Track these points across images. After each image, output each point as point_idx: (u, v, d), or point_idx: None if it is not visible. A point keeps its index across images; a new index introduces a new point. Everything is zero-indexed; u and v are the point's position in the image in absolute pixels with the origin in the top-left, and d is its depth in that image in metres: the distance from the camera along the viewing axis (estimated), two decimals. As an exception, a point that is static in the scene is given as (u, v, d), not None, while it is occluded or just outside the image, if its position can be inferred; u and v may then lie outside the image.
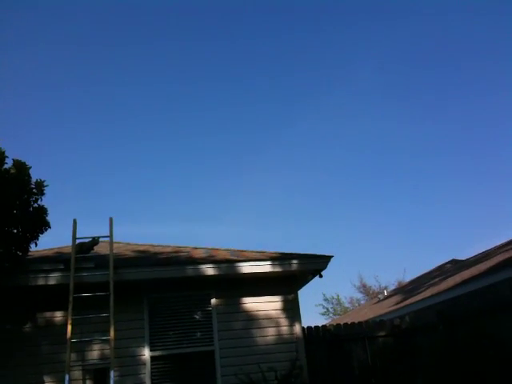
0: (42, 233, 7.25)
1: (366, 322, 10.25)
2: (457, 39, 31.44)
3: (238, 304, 7.88)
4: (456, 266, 16.49)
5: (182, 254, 8.90)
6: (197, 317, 7.88)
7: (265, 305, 7.91)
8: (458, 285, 11.89)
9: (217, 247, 9.33)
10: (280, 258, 8.02)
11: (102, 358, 7.18)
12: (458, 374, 7.73)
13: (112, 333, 6.78)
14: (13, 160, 6.98)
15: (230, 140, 40.27)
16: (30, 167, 7.06)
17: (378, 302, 20.62)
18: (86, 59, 28.49)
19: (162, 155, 39.50)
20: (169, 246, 9.77)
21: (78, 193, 39.10)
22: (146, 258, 8.71)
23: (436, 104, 35.79)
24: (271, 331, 7.79)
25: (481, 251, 16.14)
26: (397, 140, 41.04)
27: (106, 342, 6.96)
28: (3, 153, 6.88)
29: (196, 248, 9.49)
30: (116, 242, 8.63)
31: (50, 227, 7.30)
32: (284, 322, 7.89)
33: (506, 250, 12.72)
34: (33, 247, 7.34)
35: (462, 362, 7.82)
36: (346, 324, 9.71)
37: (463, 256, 17.96)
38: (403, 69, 34.13)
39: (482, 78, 33.46)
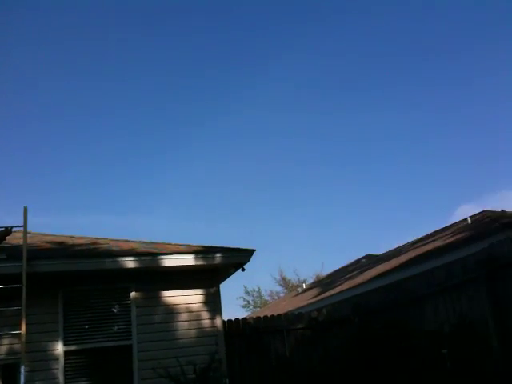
0: None
1: (285, 314, 10.47)
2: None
3: (159, 297, 7.77)
4: (371, 260, 17.19)
5: (101, 246, 8.64)
6: (115, 310, 7.69)
7: (186, 298, 7.86)
8: (373, 278, 12.42)
9: (139, 239, 9.13)
10: (203, 252, 7.99)
11: (12, 352, 6.83)
12: (368, 363, 8.07)
13: (23, 326, 6.48)
14: None
15: (151, 130, 39.36)
16: None
17: (297, 294, 21.10)
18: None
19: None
20: (88, 238, 9.44)
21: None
22: (62, 250, 8.38)
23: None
24: (192, 324, 7.75)
25: (394, 247, 16.93)
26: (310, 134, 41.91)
27: (17, 336, 6.63)
28: None
29: (116, 240, 9.23)
30: (31, 233, 8.22)
31: None
32: (205, 315, 7.88)
33: (417, 247, 13.44)
34: None
35: (372, 351, 8.18)
36: (265, 317, 9.86)
37: (378, 251, 18.72)
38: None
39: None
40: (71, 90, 31.21)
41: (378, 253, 18.45)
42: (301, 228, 49.29)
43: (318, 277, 29.90)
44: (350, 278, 15.03)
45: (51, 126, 35.27)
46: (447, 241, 11.54)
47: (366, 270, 14.73)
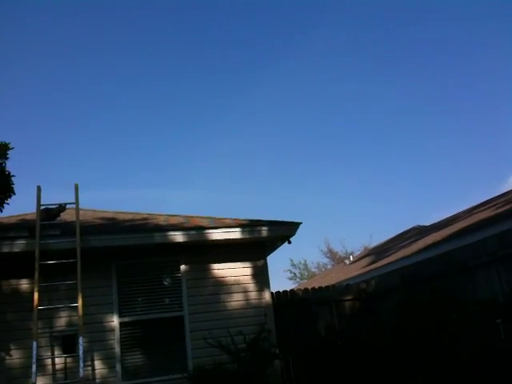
0: (6, 199, 7.00)
1: (333, 286, 10.48)
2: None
3: (208, 270, 7.92)
4: (420, 231, 16.89)
5: (150, 220, 8.84)
6: (166, 283, 7.89)
7: (234, 271, 7.98)
8: (422, 249, 12.21)
9: (187, 214, 9.29)
10: (250, 225, 8.05)
11: (70, 324, 7.14)
12: (415, 333, 7.98)
13: (80, 300, 6.74)
14: None
15: (193, 104, 39.48)
16: None
17: (345, 266, 21.05)
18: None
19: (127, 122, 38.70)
20: (136, 213, 9.68)
21: (42, 162, 38.14)
22: (113, 225, 8.62)
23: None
24: (240, 296, 7.87)
25: (443, 218, 16.56)
26: (360, 107, 41.11)
27: (74, 309, 6.91)
28: None
29: (165, 215, 9.43)
30: (82, 209, 8.49)
31: (14, 193, 7.06)
32: (253, 287, 7.98)
33: (468, 217, 13.09)
34: (-2, 215, 7.13)
35: (421, 320, 8.08)
36: (313, 288, 9.90)
37: (427, 222, 18.39)
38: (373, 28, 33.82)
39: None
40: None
41: (428, 224, 18.12)
42: (348, 199, 48.90)
43: (365, 248, 29.66)
44: (398, 249, 14.84)
45: (83, 96, 35.87)
46: (500, 210, 11.18)
47: (415, 240, 14.50)
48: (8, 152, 6.89)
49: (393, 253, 14.83)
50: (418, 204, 45.79)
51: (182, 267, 7.84)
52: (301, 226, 7.97)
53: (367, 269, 15.05)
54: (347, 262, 22.77)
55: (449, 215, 16.32)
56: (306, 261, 35.53)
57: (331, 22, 33.60)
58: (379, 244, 21.95)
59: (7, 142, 6.88)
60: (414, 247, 13.24)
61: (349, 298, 9.55)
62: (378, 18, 32.21)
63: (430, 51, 33.73)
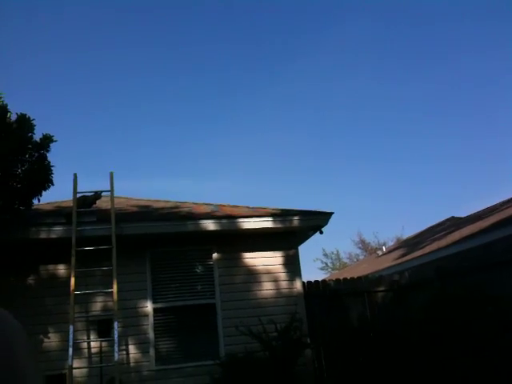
0: (45, 189, 7.18)
1: (366, 277, 10.40)
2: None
3: (239, 259, 7.96)
4: (455, 222, 16.58)
5: (183, 209, 8.93)
6: (198, 271, 7.98)
7: (266, 260, 8.00)
8: (457, 242, 11.99)
9: (219, 203, 9.35)
10: (281, 215, 8.05)
11: (106, 309, 7.31)
12: (448, 326, 7.88)
13: (115, 285, 6.88)
14: (16, 114, 6.88)
15: (225, 98, 39.49)
16: (34, 121, 6.91)
17: (377, 257, 20.85)
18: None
19: (162, 113, 39.08)
20: (170, 202, 9.79)
21: (78, 151, 38.92)
22: (147, 213, 8.74)
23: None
24: (271, 285, 7.90)
25: (479, 209, 16.20)
26: (398, 96, 40.42)
27: (109, 294, 7.06)
28: (5, 107, 6.78)
29: (197, 203, 9.50)
30: (117, 197, 8.63)
31: (53, 184, 7.23)
32: (285, 276, 7.99)
33: (504, 209, 12.77)
34: (35, 202, 7.32)
35: (454, 314, 7.96)
36: (345, 279, 9.84)
37: (462, 213, 18.02)
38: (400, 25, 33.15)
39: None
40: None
41: (462, 215, 17.77)
42: (381, 190, 48.35)
43: (398, 240, 29.32)
44: (432, 241, 14.61)
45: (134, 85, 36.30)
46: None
47: (450, 232, 14.25)
48: (50, 144, 7.06)
49: (427, 244, 14.62)
50: (453, 195, 44.92)
51: (214, 255, 7.90)
52: (333, 216, 7.94)
53: (400, 260, 14.89)
54: (379, 252, 22.56)
55: (485, 207, 15.96)
56: (338, 251, 35.36)
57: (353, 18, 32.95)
58: (413, 235, 21.64)
59: (51, 134, 7.06)
60: (449, 239, 13.02)
61: (381, 289, 9.45)
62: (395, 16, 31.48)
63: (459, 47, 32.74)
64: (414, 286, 9.44)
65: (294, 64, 37.13)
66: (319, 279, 9.88)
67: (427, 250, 13.56)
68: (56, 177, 7.16)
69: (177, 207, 9.15)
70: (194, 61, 34.52)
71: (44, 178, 7.06)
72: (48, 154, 7.11)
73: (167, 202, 9.85)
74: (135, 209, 9.13)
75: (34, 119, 6.95)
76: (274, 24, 33.59)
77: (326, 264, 35.30)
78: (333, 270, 34.23)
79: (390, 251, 20.41)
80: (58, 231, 7.30)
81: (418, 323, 8.33)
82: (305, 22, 34.38)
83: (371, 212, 46.92)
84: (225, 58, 35.27)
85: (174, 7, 30.04)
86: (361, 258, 32.60)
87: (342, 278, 10.14)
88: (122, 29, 30.97)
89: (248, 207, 8.75)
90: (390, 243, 29.55)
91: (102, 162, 39.32)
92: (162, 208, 9.14)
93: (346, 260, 35.22)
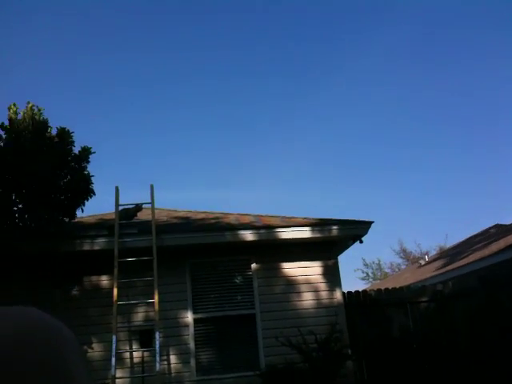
0: (87, 200, 7.40)
1: (408, 287, 10.20)
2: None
3: (278, 269, 7.95)
4: (500, 230, 16.09)
5: (221, 220, 8.99)
6: (237, 281, 8.00)
7: (305, 270, 7.96)
8: (502, 250, 11.64)
9: (256, 213, 9.37)
10: (320, 224, 8.00)
11: (147, 320, 7.41)
12: (496, 338, 7.64)
13: (156, 296, 6.97)
14: (56, 128, 7.12)
15: (261, 104, 39.53)
16: (73, 134, 7.16)
17: (420, 267, 20.43)
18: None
19: (192, 122, 39.49)
20: (209, 212, 9.88)
21: (115, 159, 39.81)
22: (186, 224, 8.85)
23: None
24: (311, 296, 7.84)
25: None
26: (441, 107, 39.73)
27: (151, 304, 7.16)
28: (46, 122, 7.02)
29: (235, 214, 9.55)
30: (158, 209, 8.78)
31: (94, 194, 7.45)
32: (324, 286, 7.92)
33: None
34: (79, 213, 7.55)
35: (500, 324, 7.72)
36: (386, 289, 9.68)
37: (507, 221, 17.47)
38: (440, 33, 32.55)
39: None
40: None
41: (508, 222, 17.23)
42: (423, 198, 47.46)
43: (441, 249, 28.65)
44: (476, 250, 14.22)
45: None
46: None
47: (495, 240, 13.83)
48: (89, 156, 7.30)
49: (471, 253, 14.24)
50: (498, 201, 43.63)
51: (253, 266, 7.92)
52: (373, 225, 7.84)
53: (443, 270, 14.55)
54: (422, 262, 22.09)
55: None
56: (379, 260, 34.85)
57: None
58: (456, 244, 21.12)
59: (89, 146, 7.29)
60: (494, 247, 12.65)
61: (424, 299, 9.25)
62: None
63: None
64: (457, 295, 9.20)
65: (330, 72, 37.06)
66: (360, 289, 9.76)
67: (471, 258, 13.21)
68: (98, 189, 7.39)
69: (216, 218, 9.22)
70: (230, 65, 34.81)
71: (85, 189, 7.26)
72: (88, 165, 7.35)
73: (206, 212, 9.94)
74: (175, 220, 9.26)
75: (73, 132, 7.18)
76: (306, 33, 33.61)
77: (367, 274, 34.84)
78: (374, 279, 33.73)
79: (432, 260, 19.96)
80: (100, 243, 7.47)
81: (464, 332, 8.12)
82: (340, 30, 34.25)
83: (413, 221, 46.14)
84: (260, 63, 35.41)
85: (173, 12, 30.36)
86: (402, 267, 32.01)
87: (383, 287, 9.98)
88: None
89: (287, 217, 8.74)
90: (433, 252, 28.92)
91: (142, 174, 40.01)
92: (202, 219, 9.23)
93: (387, 270, 34.69)
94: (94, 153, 7.36)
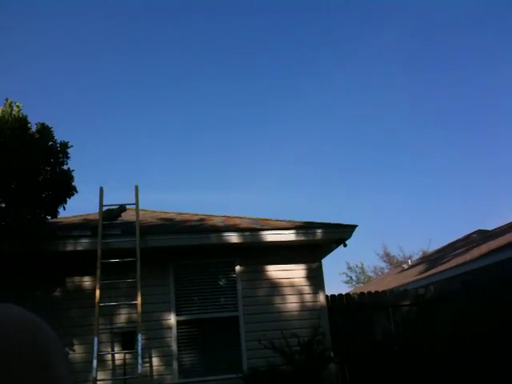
0: (69, 197, 7.33)
1: (390, 290, 10.27)
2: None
3: (262, 271, 7.95)
4: (482, 236, 16.29)
5: (206, 222, 8.98)
6: (221, 283, 7.99)
7: (288, 273, 7.97)
8: (484, 255, 11.78)
9: (240, 215, 9.38)
10: (304, 227, 8.03)
11: (130, 321, 7.36)
12: (477, 341, 7.73)
13: (139, 297, 6.94)
14: (36, 124, 7.04)
15: (252, 105, 39.57)
16: (52, 129, 7.09)
17: (402, 271, 20.58)
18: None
19: (187, 125, 39.43)
20: (193, 214, 9.86)
21: (101, 159, 39.54)
22: (171, 226, 8.82)
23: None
24: (295, 299, 7.86)
25: (508, 222, 15.89)
26: (419, 114, 40.09)
27: (133, 306, 7.12)
28: (25, 118, 6.94)
29: (220, 216, 9.55)
30: (142, 210, 8.74)
31: (76, 191, 7.39)
32: (307, 289, 7.95)
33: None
34: (61, 212, 7.48)
35: (481, 328, 7.81)
36: (369, 292, 9.74)
37: (489, 227, 17.70)
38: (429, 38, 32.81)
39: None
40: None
41: (490, 228, 17.46)
42: (406, 203, 47.84)
43: (424, 253, 28.90)
44: (458, 255, 14.38)
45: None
46: None
47: (477, 246, 14.00)
48: (68, 151, 7.24)
49: (453, 258, 14.39)
50: (481, 207, 44.15)
51: (237, 268, 7.91)
52: (357, 228, 7.89)
53: (426, 274, 14.68)
54: (405, 266, 22.26)
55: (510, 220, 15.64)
56: (362, 264, 34.99)
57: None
58: (439, 248, 21.33)
59: (67, 140, 7.25)
60: (476, 252, 12.80)
61: (406, 303, 9.33)
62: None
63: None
64: (439, 299, 9.30)
65: (327, 75, 37.21)
66: (343, 293, 9.81)
67: (453, 263, 13.36)
68: (82, 188, 7.33)
69: (201, 220, 9.20)
70: (230, 67, 34.74)
71: (66, 185, 7.19)
72: (68, 161, 7.29)
73: (190, 214, 9.92)
74: (160, 221, 9.22)
75: (52, 127, 7.12)
76: (303, 36, 33.69)
77: (351, 277, 34.96)
78: (357, 283, 33.88)
79: (415, 265, 20.13)
80: (84, 243, 7.41)
81: (446, 338, 8.19)
82: (338, 34, 34.41)
83: (397, 225, 46.49)
84: (258, 66, 35.36)
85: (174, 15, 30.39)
86: (386, 271, 32.21)
87: (366, 291, 10.04)
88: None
89: (271, 220, 8.76)
90: (416, 257, 29.16)
91: (128, 174, 39.79)
92: (187, 220, 9.21)
93: (370, 273, 34.85)
94: (71, 147, 7.30)
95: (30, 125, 7.01)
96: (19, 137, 6.72)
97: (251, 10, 30.54)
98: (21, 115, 6.91)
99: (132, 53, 30.47)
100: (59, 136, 7.32)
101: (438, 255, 18.29)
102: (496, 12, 28.54)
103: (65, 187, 7.18)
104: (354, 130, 42.72)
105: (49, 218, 7.33)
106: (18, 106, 6.92)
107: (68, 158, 7.28)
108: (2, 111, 6.84)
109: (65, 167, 7.29)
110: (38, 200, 7.03)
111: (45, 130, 7.02)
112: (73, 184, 7.31)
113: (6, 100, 6.90)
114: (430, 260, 18.35)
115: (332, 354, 7.44)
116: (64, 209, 7.43)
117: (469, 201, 45.03)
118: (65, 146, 7.24)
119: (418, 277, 15.08)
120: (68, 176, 7.24)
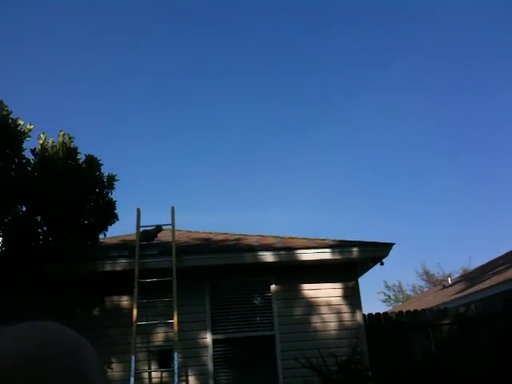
0: (110, 224, 7.60)
1: (430, 309, 10.05)
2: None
3: (298, 290, 7.92)
4: (525, 253, 15.79)
5: (242, 241, 9.02)
6: (256, 302, 7.99)
7: (324, 291, 7.92)
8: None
9: (276, 235, 9.38)
10: (340, 246, 7.98)
11: (166, 340, 7.43)
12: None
13: (175, 316, 7.00)
14: (85, 156, 7.34)
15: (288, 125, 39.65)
16: (101, 163, 7.43)
17: (443, 289, 20.08)
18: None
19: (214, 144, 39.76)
20: (229, 234, 9.93)
21: (141, 184, 40.24)
22: (206, 246, 8.90)
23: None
24: (331, 318, 7.79)
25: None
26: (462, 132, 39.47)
27: (170, 325, 7.19)
28: (76, 149, 7.27)
29: (255, 235, 9.59)
30: (178, 230, 8.87)
31: (118, 219, 7.63)
32: (344, 308, 7.86)
33: None
34: (101, 237, 7.69)
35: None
36: (408, 311, 9.55)
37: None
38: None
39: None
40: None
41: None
42: (447, 221, 46.86)
43: (464, 271, 28.17)
44: (500, 272, 13.97)
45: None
46: None
47: (519, 262, 13.58)
48: (114, 183, 7.53)
49: (494, 276, 13.98)
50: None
51: (273, 287, 7.91)
52: (394, 246, 7.79)
53: (466, 292, 14.30)
54: (445, 284, 21.72)
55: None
56: (400, 283, 34.36)
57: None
58: (480, 266, 20.75)
59: (114, 173, 7.54)
60: (518, 270, 12.42)
61: (446, 322, 9.10)
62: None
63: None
64: (481, 318, 9.04)
65: (355, 99, 37.14)
66: (381, 312, 9.65)
67: (494, 281, 12.98)
68: (119, 208, 7.56)
69: (236, 239, 9.26)
70: (266, 90, 34.94)
71: (109, 214, 7.46)
72: (113, 191, 7.56)
73: (227, 234, 9.99)
74: (196, 241, 9.32)
75: (100, 159, 7.42)
76: (332, 58, 33.75)
77: (389, 296, 34.34)
78: (396, 302, 33.22)
79: (455, 283, 19.63)
80: (121, 264, 7.56)
81: (487, 358, 7.95)
82: (362, 59, 34.39)
83: (437, 243, 45.53)
84: (284, 90, 35.57)
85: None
86: (425, 290, 31.49)
87: (405, 310, 9.85)
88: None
89: (308, 238, 8.73)
90: (456, 274, 28.44)
91: (164, 196, 40.33)
92: (222, 240, 9.28)
93: (409, 292, 34.15)
94: (118, 180, 7.59)
95: (79, 155, 7.31)
96: (67, 166, 7.02)
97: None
98: (72, 146, 7.23)
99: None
100: (106, 167, 7.61)
101: (479, 273, 17.80)
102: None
103: (108, 216, 7.46)
104: (386, 153, 42.36)
105: (89, 243, 7.55)
106: (70, 138, 7.25)
107: (113, 188, 7.56)
108: (52, 142, 7.15)
109: (109, 196, 7.55)
110: (81, 226, 7.27)
111: (92, 161, 7.34)
112: (115, 212, 7.56)
113: (60, 131, 7.24)
114: (471, 278, 17.87)
115: (370, 373, 7.31)
116: (105, 235, 7.68)
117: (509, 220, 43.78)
118: (112, 178, 7.54)
119: (458, 295, 14.70)
120: (111, 206, 7.52)
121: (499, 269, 14.87)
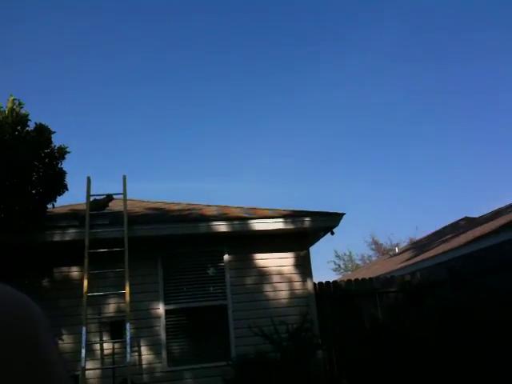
0: (59, 194, 7.39)
1: (377, 278, 10.37)
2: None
3: (250, 260, 8.00)
4: (468, 223, 16.47)
5: (194, 211, 8.99)
6: (210, 272, 8.03)
7: (276, 261, 8.02)
8: (470, 242, 11.91)
9: (229, 205, 9.39)
10: (292, 216, 8.07)
11: (118, 311, 7.38)
12: (463, 330, 7.84)
13: (127, 287, 6.95)
14: (35, 123, 7.07)
15: (241, 102, 39.50)
16: (54, 132, 7.20)
17: (390, 258, 20.77)
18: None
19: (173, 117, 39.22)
20: (181, 204, 9.86)
21: (89, 150, 39.24)
22: (159, 215, 8.81)
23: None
24: (283, 286, 7.92)
25: (494, 209, 16.07)
26: (418, 102, 40.23)
27: (122, 296, 7.13)
28: (27, 116, 6.99)
29: (208, 205, 9.56)
30: (129, 199, 8.71)
31: (67, 189, 7.43)
32: (295, 277, 8.01)
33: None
34: (49, 207, 7.48)
35: (467, 317, 7.92)
36: (356, 280, 9.83)
37: (476, 214, 17.87)
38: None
39: None
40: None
41: (476, 215, 17.64)
42: (394, 190, 48.13)
43: (411, 240, 29.14)
44: (445, 242, 14.53)
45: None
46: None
47: (463, 233, 14.15)
48: (65, 154, 7.34)
49: (440, 245, 14.54)
50: (467, 195, 44.54)
51: (226, 257, 7.95)
52: (345, 217, 7.96)
53: (412, 261, 14.82)
54: (392, 253, 22.46)
55: (499, 206, 15.83)
56: (350, 252, 35.27)
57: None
58: (425, 236, 21.52)
59: (66, 145, 7.32)
60: (462, 239, 12.95)
61: (393, 290, 9.43)
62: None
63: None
64: (425, 286, 9.41)
65: (322, 69, 37.17)
66: (331, 280, 9.89)
67: (440, 250, 13.49)
68: (69, 178, 7.37)
69: (188, 209, 9.21)
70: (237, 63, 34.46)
71: (58, 184, 7.25)
72: (63, 161, 7.35)
73: (178, 203, 9.92)
74: (148, 211, 9.21)
75: (54, 132, 7.21)
76: (298, 28, 33.55)
77: (339, 265, 35.21)
78: (346, 271, 34.13)
79: (402, 252, 20.31)
80: (71, 234, 7.40)
81: (433, 324, 8.30)
82: (328, 28, 34.32)
83: (385, 213, 46.76)
84: (253, 62, 35.29)
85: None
86: (373, 259, 32.47)
87: (353, 278, 10.13)
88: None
89: (259, 209, 8.78)
90: (404, 244, 29.39)
91: (118, 163, 39.54)
92: (176, 210, 9.21)
93: (358, 261, 35.12)
94: (69, 152, 7.40)
95: (29, 123, 7.04)
96: (17, 133, 6.76)
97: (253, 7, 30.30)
98: (22, 113, 6.94)
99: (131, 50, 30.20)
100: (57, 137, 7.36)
101: (425, 242, 18.46)
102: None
103: (57, 186, 7.26)
104: (343, 122, 42.86)
105: (38, 213, 7.33)
106: (20, 103, 6.95)
107: (64, 159, 7.35)
108: (3, 107, 6.87)
109: (59, 166, 7.34)
110: (29, 196, 7.05)
111: (43, 131, 7.07)
112: (64, 182, 7.36)
113: (10, 96, 6.93)
114: (417, 247, 18.52)
115: (320, 340, 7.52)
116: (53, 206, 7.48)
117: (455, 190, 45.43)
118: (62, 149, 7.30)
119: (404, 264, 15.23)
120: (61, 176, 7.30)
121: (444, 238, 15.46)
